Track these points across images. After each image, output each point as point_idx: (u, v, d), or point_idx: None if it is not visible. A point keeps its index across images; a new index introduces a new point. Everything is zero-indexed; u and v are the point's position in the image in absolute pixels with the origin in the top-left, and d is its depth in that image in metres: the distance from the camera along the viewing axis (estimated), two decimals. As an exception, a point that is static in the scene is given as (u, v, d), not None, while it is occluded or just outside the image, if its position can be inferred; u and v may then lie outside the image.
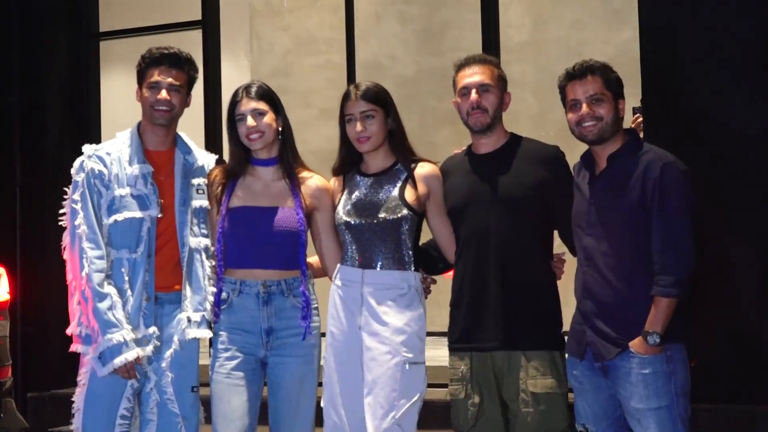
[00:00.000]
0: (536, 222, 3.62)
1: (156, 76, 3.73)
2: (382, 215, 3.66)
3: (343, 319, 3.69)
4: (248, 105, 3.73)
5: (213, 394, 3.68)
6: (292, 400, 3.70)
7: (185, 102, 3.81)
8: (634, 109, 5.63)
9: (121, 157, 3.72)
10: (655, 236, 3.36)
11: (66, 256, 3.69)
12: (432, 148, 5.65)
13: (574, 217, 3.59)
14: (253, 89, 3.76)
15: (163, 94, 3.71)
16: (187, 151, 3.84)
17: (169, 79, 3.73)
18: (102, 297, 3.56)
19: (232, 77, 7.26)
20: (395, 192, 3.69)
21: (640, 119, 5.56)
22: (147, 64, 3.76)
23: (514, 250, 3.58)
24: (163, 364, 3.66)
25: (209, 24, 6.82)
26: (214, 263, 3.74)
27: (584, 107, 3.50)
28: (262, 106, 3.73)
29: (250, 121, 3.71)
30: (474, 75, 3.68)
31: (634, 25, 5.90)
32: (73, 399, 3.72)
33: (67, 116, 6.95)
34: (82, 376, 3.68)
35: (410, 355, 3.60)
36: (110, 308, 3.55)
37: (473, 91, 3.66)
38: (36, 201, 6.63)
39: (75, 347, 3.67)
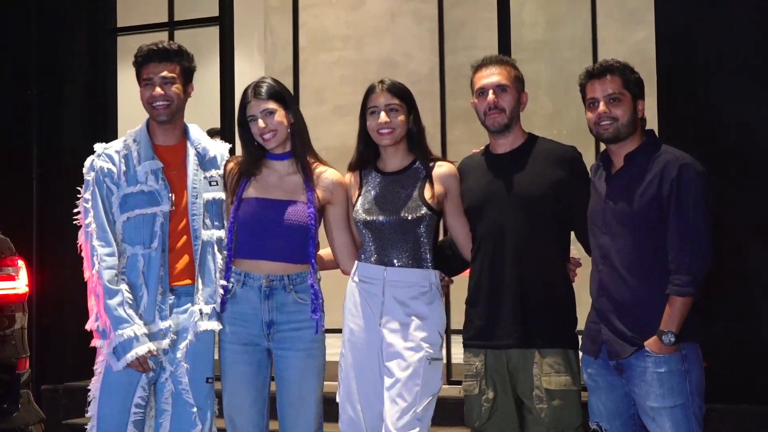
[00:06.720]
0: (552, 221, 3.63)
1: (148, 73, 3.77)
2: (402, 214, 3.68)
3: (362, 315, 3.71)
4: (258, 106, 3.75)
5: (223, 383, 3.73)
6: (294, 393, 3.73)
7: (185, 92, 3.82)
8: None
9: (131, 154, 3.75)
10: (671, 235, 3.38)
11: (82, 254, 3.73)
12: (445, 146, 5.65)
13: (589, 215, 3.60)
14: (262, 89, 3.76)
15: (157, 89, 3.74)
16: (198, 143, 3.86)
17: (161, 73, 3.75)
18: (112, 294, 3.60)
19: (246, 73, 7.28)
20: (415, 192, 3.71)
21: None
22: (139, 63, 3.80)
23: (530, 249, 3.59)
24: (179, 355, 3.69)
25: (225, 20, 6.83)
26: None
27: (601, 106, 3.52)
28: (271, 105, 3.74)
29: (261, 122, 3.73)
30: (491, 76, 3.70)
31: (649, 25, 5.89)
32: (88, 388, 3.76)
33: (84, 110, 6.98)
34: (99, 365, 3.73)
35: (432, 351, 3.63)
36: (120, 304, 3.59)
37: (490, 91, 3.68)
38: (53, 194, 6.65)
39: (95, 342, 3.70)
